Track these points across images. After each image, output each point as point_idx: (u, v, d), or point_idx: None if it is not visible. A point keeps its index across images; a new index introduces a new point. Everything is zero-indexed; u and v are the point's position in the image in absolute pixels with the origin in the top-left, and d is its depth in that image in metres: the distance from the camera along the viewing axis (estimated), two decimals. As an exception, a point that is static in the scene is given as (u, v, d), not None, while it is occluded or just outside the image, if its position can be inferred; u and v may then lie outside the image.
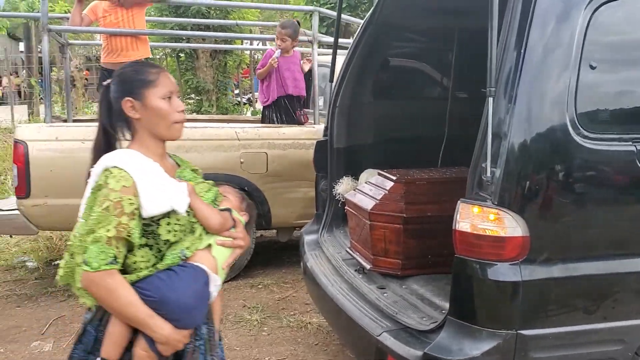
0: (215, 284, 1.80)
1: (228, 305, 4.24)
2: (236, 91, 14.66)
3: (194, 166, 2.01)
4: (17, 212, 4.29)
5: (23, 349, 3.65)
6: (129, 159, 1.70)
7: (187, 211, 1.75)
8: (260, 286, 4.67)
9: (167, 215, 1.70)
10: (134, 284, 1.66)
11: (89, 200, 1.70)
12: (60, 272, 1.73)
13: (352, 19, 6.56)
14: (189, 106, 11.73)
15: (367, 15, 3.52)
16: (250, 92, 16.13)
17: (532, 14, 2.14)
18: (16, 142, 4.22)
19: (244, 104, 14.43)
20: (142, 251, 1.70)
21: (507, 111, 2.12)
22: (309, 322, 3.97)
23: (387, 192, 2.84)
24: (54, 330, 3.92)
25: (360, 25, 3.58)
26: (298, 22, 5.21)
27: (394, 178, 2.88)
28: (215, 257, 1.80)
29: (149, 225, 1.69)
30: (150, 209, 1.66)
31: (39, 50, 15.22)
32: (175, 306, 1.68)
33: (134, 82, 1.76)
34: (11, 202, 4.54)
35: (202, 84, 11.62)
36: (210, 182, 1.98)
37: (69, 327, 3.96)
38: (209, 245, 1.80)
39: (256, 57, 15.78)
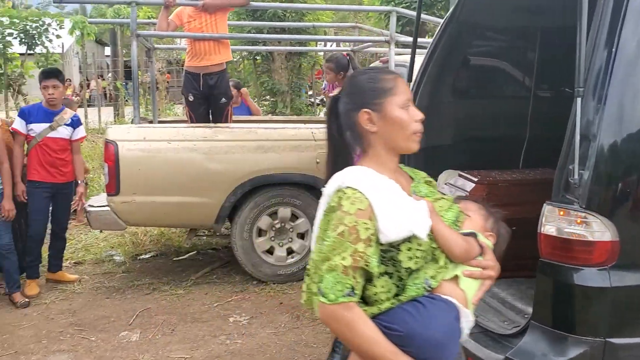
0: (467, 319, 1.57)
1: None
2: (309, 92, 14.82)
3: (428, 177, 1.76)
4: (107, 208, 4.55)
5: (112, 338, 3.86)
6: (363, 178, 1.52)
7: (428, 235, 1.52)
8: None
9: (408, 239, 1.49)
10: (375, 317, 1.48)
11: (322, 223, 1.53)
12: (304, 296, 1.54)
13: (430, 17, 6.51)
14: (264, 107, 11.99)
15: (447, 14, 3.49)
16: (324, 93, 16.25)
17: (625, 10, 2.06)
18: (107, 142, 4.47)
19: (317, 104, 14.57)
20: (381, 280, 1.49)
21: (596, 112, 2.06)
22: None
23: (467, 193, 2.81)
24: (140, 321, 4.12)
25: (441, 24, 3.56)
26: (349, 55, 5.36)
27: (475, 179, 2.85)
28: (464, 290, 1.58)
29: (388, 252, 1.49)
30: (388, 235, 1.47)
31: (124, 54, 15.98)
32: (424, 342, 1.46)
33: (370, 92, 1.58)
34: (102, 199, 4.80)
35: (277, 85, 11.84)
36: (449, 197, 1.74)
37: (154, 319, 4.15)
38: (456, 277, 1.57)
39: (330, 58, 15.87)
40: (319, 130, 4.70)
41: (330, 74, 5.33)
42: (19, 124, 4.49)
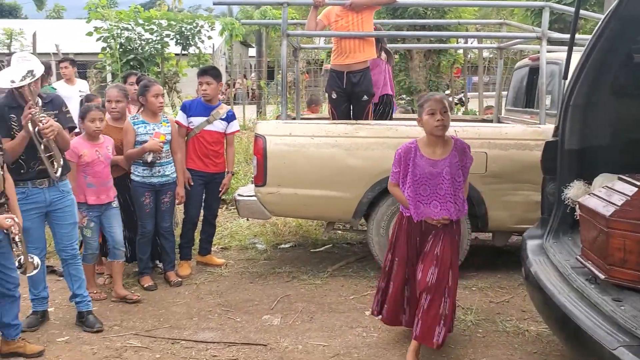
0: None
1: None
2: (447, 91, 14.56)
3: None
4: (254, 198, 4.81)
5: (255, 321, 4.09)
6: None
7: None
8: (474, 288, 4.62)
9: None
10: None
11: None
12: None
13: (589, 13, 6.13)
14: (401, 107, 11.97)
15: (610, 9, 3.27)
16: (462, 92, 15.89)
17: None
18: (257, 136, 4.73)
19: (456, 104, 14.27)
20: None
21: None
22: (527, 330, 3.83)
23: (629, 198, 2.63)
24: (281, 306, 4.32)
25: (601, 19, 3.35)
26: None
27: (639, 183, 2.65)
28: None
29: None
30: None
31: (267, 54, 16.71)
32: None
33: None
34: (249, 189, 5.10)
35: (415, 84, 11.76)
36: None
37: (294, 305, 4.32)
38: None
39: (469, 56, 15.49)
40: (462, 129, 4.62)
41: None
42: (181, 117, 4.91)
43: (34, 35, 12.72)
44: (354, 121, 4.98)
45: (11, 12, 41.64)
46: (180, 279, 4.80)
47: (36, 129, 3.53)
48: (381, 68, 5.75)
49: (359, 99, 5.18)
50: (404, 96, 12.46)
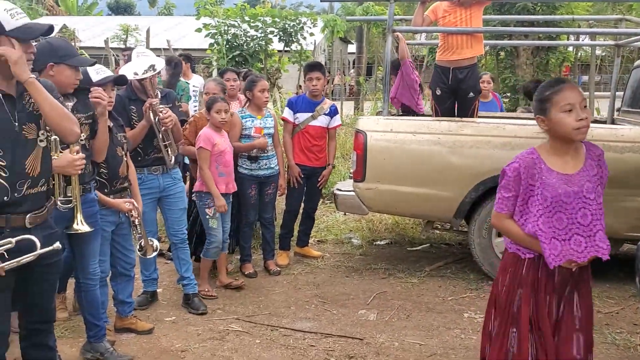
0: None
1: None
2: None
3: None
4: (352, 193, 4.84)
5: (351, 315, 4.12)
6: None
7: None
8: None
9: None
10: None
11: None
12: None
13: None
14: (505, 105, 11.58)
15: None
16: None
17: None
18: (357, 132, 4.75)
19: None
20: None
21: None
22: (639, 344, 3.61)
23: None
24: (377, 302, 4.32)
25: None
26: None
27: None
28: None
29: None
30: None
31: (367, 51, 16.71)
32: None
33: None
34: (348, 184, 5.13)
35: (521, 82, 11.33)
36: None
37: (390, 302, 4.32)
38: None
39: (579, 54, 14.71)
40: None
41: None
42: (287, 113, 5.04)
43: (148, 31, 13.47)
44: (458, 118, 4.88)
45: (126, 9, 44.36)
46: (278, 268, 4.93)
47: (156, 119, 3.77)
48: None
49: (465, 95, 5.07)
50: (508, 94, 12.04)
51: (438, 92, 5.17)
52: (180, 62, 6.32)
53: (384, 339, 3.73)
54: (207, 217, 4.30)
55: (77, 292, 3.45)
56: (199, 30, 11.75)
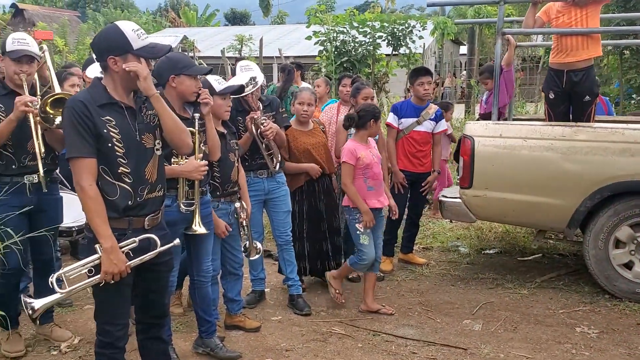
0: None
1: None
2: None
3: None
4: (459, 200, 4.75)
5: (455, 324, 4.04)
6: None
7: None
8: None
9: None
10: None
11: None
12: None
13: None
14: (628, 108, 10.80)
15: None
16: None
17: None
18: (465, 137, 4.65)
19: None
20: None
21: None
22: None
23: None
24: (483, 313, 4.21)
25: None
26: None
27: None
28: None
29: None
30: None
31: (480, 52, 16.25)
32: None
33: None
34: (454, 190, 5.04)
35: (648, 82, 10.53)
36: None
37: (497, 313, 4.19)
38: None
39: None
40: None
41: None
42: (392, 119, 5.04)
43: (261, 40, 14.02)
44: (573, 123, 4.65)
45: (242, 20, 46.31)
46: (382, 274, 4.94)
47: (258, 131, 3.96)
48: None
49: (580, 99, 4.81)
50: (633, 96, 11.22)
51: (551, 95, 4.95)
52: (292, 69, 6.68)
53: (488, 350, 3.63)
54: (358, 232, 4.10)
55: (191, 289, 3.67)
56: (309, 37, 12.05)
